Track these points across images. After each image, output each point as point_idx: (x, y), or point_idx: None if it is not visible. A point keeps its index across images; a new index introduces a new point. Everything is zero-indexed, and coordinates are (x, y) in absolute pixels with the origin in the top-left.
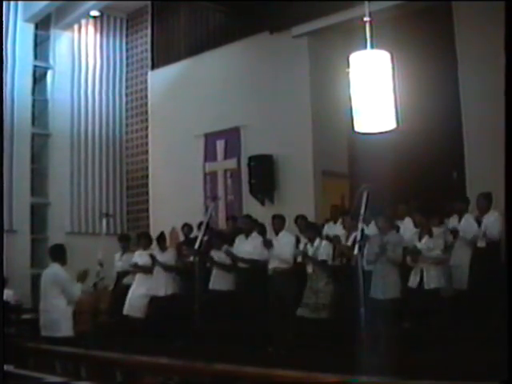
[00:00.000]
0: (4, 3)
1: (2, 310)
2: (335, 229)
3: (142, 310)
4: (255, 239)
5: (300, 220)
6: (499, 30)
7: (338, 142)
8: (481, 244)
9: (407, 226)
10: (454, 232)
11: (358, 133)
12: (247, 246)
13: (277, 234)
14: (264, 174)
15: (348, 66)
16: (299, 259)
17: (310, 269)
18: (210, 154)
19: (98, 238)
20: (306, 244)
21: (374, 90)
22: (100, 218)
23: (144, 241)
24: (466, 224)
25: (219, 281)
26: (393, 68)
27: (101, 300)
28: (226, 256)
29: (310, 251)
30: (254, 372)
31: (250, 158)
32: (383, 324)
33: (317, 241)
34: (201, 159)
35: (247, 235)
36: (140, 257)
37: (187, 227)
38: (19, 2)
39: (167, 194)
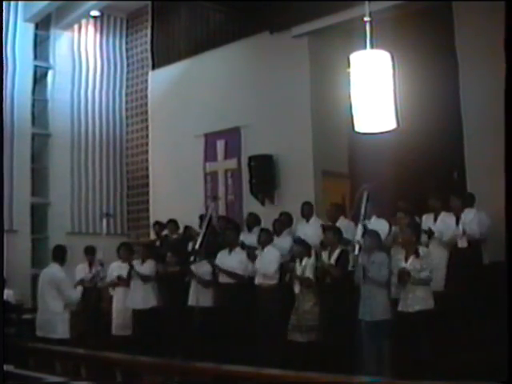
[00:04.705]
0: (4, 3)
1: (2, 310)
2: (307, 228)
3: (129, 326)
4: (238, 254)
5: (284, 216)
6: (499, 30)
7: (338, 142)
8: (462, 244)
9: (374, 226)
10: (429, 232)
11: (359, 133)
12: (230, 262)
13: (250, 230)
14: (264, 174)
15: (348, 66)
16: (287, 278)
17: (297, 289)
18: (210, 154)
19: (98, 238)
20: (294, 262)
21: (374, 90)
22: (100, 217)
23: (124, 252)
24: (440, 223)
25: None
26: (393, 68)
27: (101, 300)
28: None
29: (298, 270)
30: (254, 372)
31: (251, 158)
32: (373, 347)
33: (305, 259)
34: (201, 159)
35: (230, 250)
36: (119, 269)
37: (158, 225)
38: (19, 2)
39: (167, 194)
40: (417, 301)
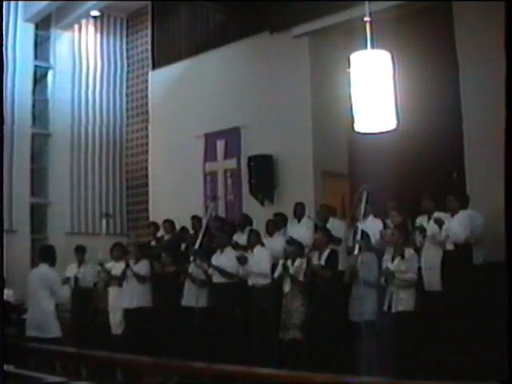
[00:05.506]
0: (4, 3)
1: (1, 310)
2: (299, 228)
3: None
4: (228, 253)
5: (278, 217)
6: (499, 30)
7: (338, 142)
8: (449, 246)
9: (368, 226)
10: (422, 232)
11: (358, 133)
12: (221, 261)
13: (242, 230)
14: (264, 174)
15: (348, 66)
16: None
17: (286, 288)
18: (210, 154)
19: (98, 238)
20: (286, 261)
21: (374, 90)
22: (100, 218)
23: (117, 252)
24: (434, 224)
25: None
26: (393, 68)
27: (101, 300)
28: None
29: (291, 270)
30: (253, 372)
31: (250, 158)
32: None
33: (297, 260)
34: (201, 159)
35: (222, 250)
36: (113, 269)
37: (153, 226)
38: (19, 2)
39: (167, 194)
40: (399, 302)
